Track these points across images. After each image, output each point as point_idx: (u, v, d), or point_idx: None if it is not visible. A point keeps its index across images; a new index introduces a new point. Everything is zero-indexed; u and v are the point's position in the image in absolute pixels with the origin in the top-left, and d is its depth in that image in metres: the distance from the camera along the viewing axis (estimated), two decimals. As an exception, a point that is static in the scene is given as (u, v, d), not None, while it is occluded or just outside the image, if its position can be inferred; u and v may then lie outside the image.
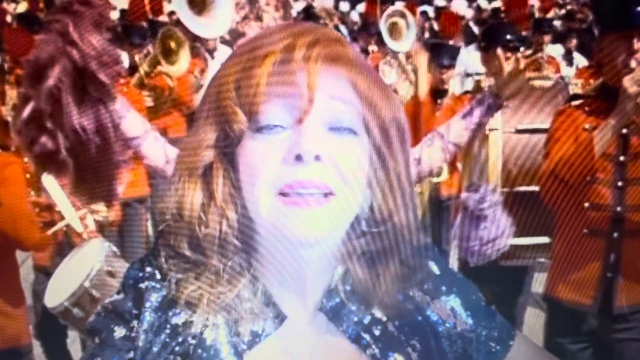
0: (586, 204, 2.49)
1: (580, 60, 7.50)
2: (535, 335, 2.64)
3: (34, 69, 1.76)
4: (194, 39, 5.31)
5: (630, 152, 2.47)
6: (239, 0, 2.43)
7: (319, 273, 0.89)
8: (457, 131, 2.06)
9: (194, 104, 5.39)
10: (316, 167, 0.79)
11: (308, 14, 9.19)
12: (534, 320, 3.79)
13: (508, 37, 3.76)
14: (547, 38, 7.13)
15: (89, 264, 2.96)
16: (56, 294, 2.96)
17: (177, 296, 0.84)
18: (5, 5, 11.22)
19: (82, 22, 1.75)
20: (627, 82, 2.27)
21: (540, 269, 3.38)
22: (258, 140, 0.81)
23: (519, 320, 3.66)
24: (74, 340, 3.86)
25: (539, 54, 5.31)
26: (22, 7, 11.24)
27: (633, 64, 2.38)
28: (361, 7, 11.86)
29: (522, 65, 2.05)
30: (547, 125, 2.71)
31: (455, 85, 6.23)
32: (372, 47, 7.72)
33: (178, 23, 5.46)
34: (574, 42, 7.84)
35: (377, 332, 0.90)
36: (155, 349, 0.83)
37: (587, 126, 2.48)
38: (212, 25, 4.54)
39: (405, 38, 5.69)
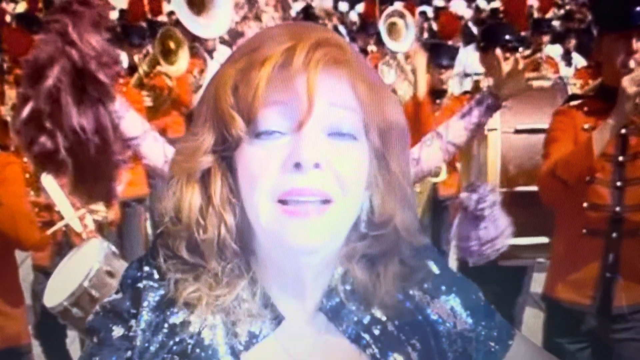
0: (585, 204, 2.49)
1: (579, 61, 7.51)
2: (534, 335, 2.64)
3: (33, 69, 1.76)
4: (193, 39, 5.30)
5: (629, 152, 2.47)
6: (238, 0, 2.42)
7: (319, 275, 0.88)
8: (456, 131, 2.06)
9: (193, 104, 5.39)
10: (315, 175, 0.78)
11: (307, 14, 9.20)
12: (532, 320, 3.78)
13: (507, 37, 3.75)
14: (546, 38, 7.14)
15: (88, 264, 2.95)
16: (55, 294, 2.96)
17: (176, 296, 0.84)
18: (4, 5, 11.20)
19: (81, 22, 1.75)
20: (626, 82, 2.27)
21: (539, 269, 3.38)
22: (256, 146, 0.81)
23: (518, 320, 3.65)
24: (73, 340, 3.86)
25: (538, 54, 5.33)
26: (21, 7, 11.20)
27: (632, 64, 2.39)
28: (360, 7, 11.81)
29: (521, 66, 2.05)
30: (546, 126, 2.71)
31: (454, 85, 6.23)
32: (371, 48, 7.71)
33: (177, 23, 5.44)
34: (572, 42, 7.86)
35: (376, 332, 0.90)
36: (152, 349, 0.83)
37: (586, 126, 2.48)
38: (211, 26, 4.52)
39: (404, 38, 5.68)
